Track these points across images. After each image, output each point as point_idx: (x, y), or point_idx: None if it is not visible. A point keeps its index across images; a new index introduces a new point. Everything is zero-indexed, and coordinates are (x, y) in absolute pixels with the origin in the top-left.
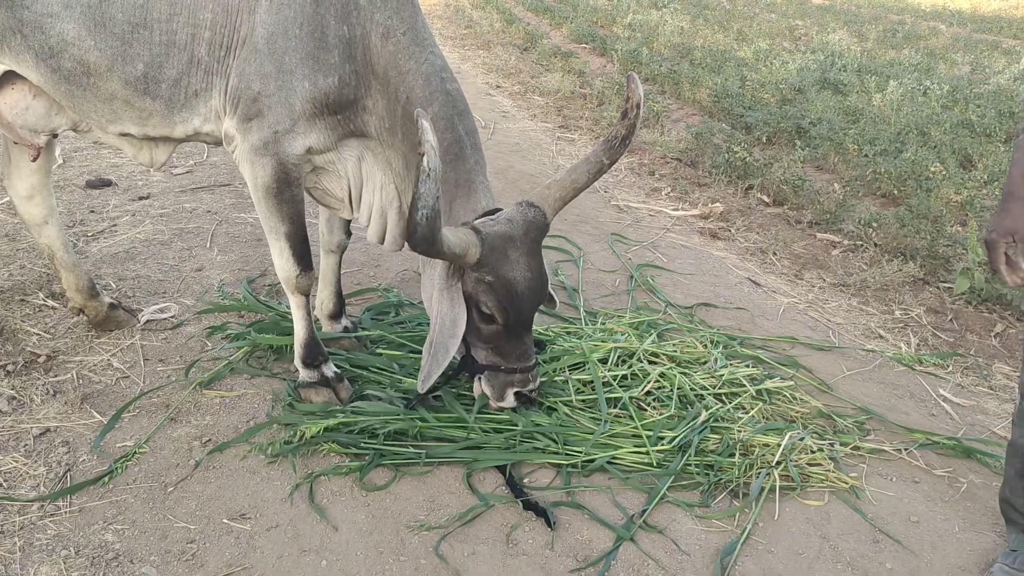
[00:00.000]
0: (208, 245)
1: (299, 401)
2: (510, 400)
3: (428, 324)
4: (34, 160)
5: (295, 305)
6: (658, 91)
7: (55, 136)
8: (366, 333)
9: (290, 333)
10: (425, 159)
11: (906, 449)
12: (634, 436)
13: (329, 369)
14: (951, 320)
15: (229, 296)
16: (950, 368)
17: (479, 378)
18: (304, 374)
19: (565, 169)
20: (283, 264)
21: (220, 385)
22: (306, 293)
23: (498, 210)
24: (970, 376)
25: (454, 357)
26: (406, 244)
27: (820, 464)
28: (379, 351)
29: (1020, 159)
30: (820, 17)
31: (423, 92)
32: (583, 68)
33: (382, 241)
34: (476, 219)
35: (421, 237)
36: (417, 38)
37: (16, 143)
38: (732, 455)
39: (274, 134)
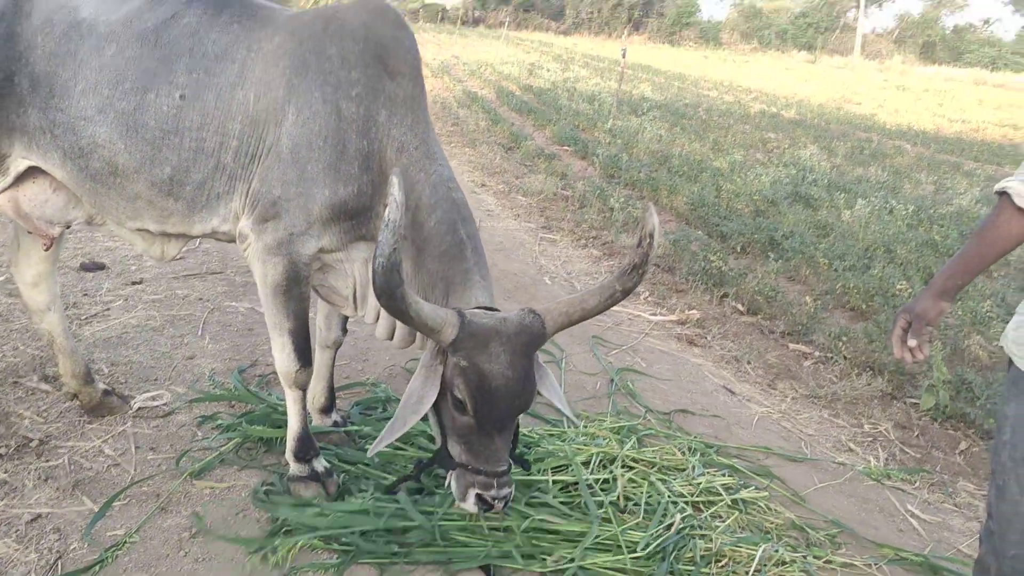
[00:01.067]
0: (200, 333)
1: (288, 494)
2: (471, 502)
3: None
4: (47, 250)
5: (291, 399)
6: (637, 197)
7: (68, 227)
8: (355, 428)
9: (281, 425)
10: (387, 211)
11: (876, 564)
12: (608, 540)
13: (320, 464)
14: (918, 436)
15: (220, 385)
16: (917, 484)
17: (450, 473)
18: (295, 468)
19: (581, 291)
20: (284, 359)
21: (210, 475)
22: (304, 388)
23: (496, 310)
24: (936, 493)
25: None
26: (403, 339)
27: None
28: (367, 446)
29: (950, 263)
30: (792, 131)
31: (430, 200)
32: (565, 170)
33: (391, 338)
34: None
35: (379, 286)
36: (428, 152)
37: (30, 232)
38: (708, 565)
39: (289, 235)
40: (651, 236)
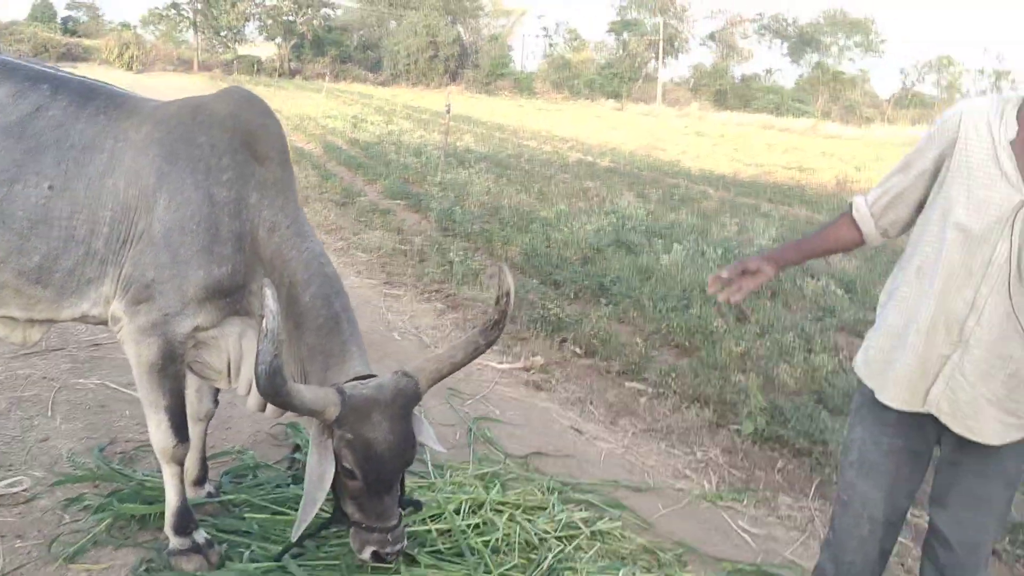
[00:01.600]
0: (50, 413)
1: (171, 569)
2: (367, 555)
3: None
4: None
5: (169, 474)
6: (473, 249)
7: None
8: (229, 497)
9: (153, 501)
10: (264, 322)
11: None
12: None
13: (200, 535)
14: (742, 459)
15: (81, 466)
16: (745, 502)
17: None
18: (176, 542)
19: (446, 347)
20: (160, 436)
21: (86, 558)
22: (181, 463)
23: (373, 376)
24: (761, 508)
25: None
26: (276, 409)
27: None
28: (244, 515)
29: (789, 243)
30: (608, 179)
31: (304, 276)
32: (401, 225)
33: (262, 409)
34: (347, 382)
35: (263, 389)
36: (299, 230)
37: None
38: None
39: (164, 316)
40: (507, 295)
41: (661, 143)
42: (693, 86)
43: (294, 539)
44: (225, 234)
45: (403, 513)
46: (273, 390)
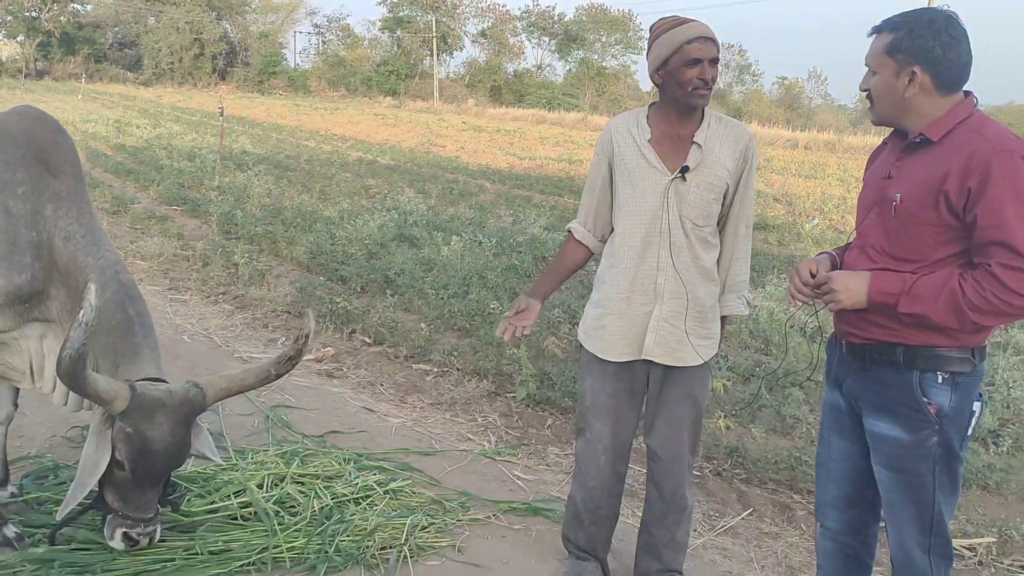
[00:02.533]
0: None
1: None
2: (117, 541)
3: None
4: None
5: None
6: (257, 250)
7: None
8: (33, 496)
9: None
10: (82, 312)
11: (495, 515)
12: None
13: (10, 530)
14: (517, 420)
15: None
16: (519, 455)
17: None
18: None
19: (240, 368)
20: None
21: None
22: None
23: (163, 380)
24: (534, 459)
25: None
26: (80, 402)
27: (437, 536)
28: (50, 510)
29: (541, 277)
30: (389, 176)
31: (99, 281)
32: (181, 231)
33: (65, 404)
34: (138, 381)
35: (64, 371)
36: (94, 239)
37: None
38: (370, 536)
39: None
40: (307, 337)
41: (440, 139)
42: (469, 82)
43: (59, 519)
44: (24, 244)
45: (159, 509)
46: (72, 373)
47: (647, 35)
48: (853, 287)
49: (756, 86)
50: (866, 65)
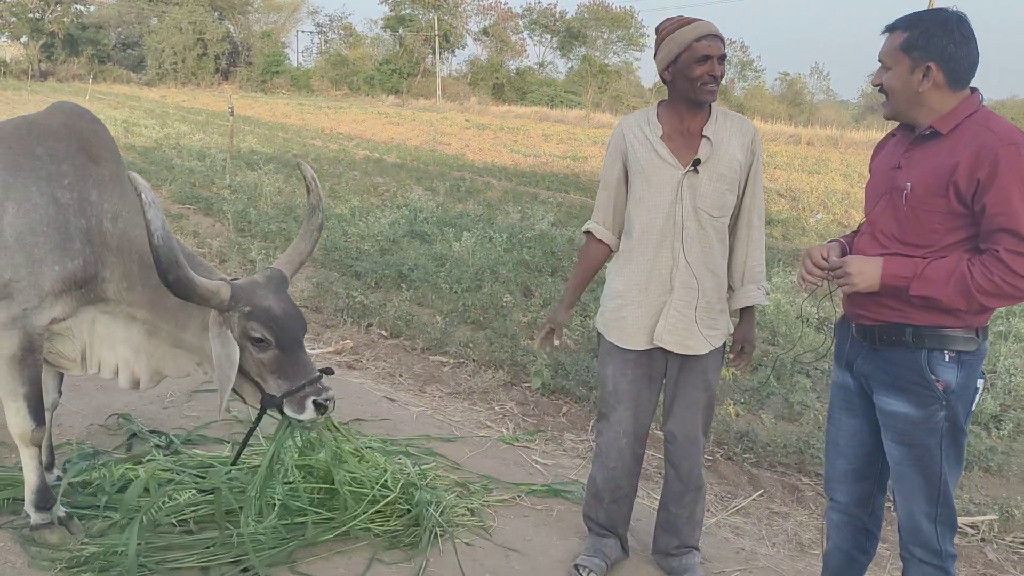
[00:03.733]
0: None
1: (35, 543)
2: (310, 411)
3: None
4: None
5: (28, 456)
6: (272, 247)
7: None
8: (79, 478)
9: (5, 486)
10: (144, 194)
11: (517, 497)
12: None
13: (60, 510)
14: (533, 408)
15: None
16: (537, 441)
17: (282, 409)
18: (37, 517)
19: (290, 245)
20: (19, 422)
21: None
22: (39, 445)
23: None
24: (551, 444)
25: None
26: (150, 379)
27: (465, 516)
28: (93, 493)
29: (568, 285)
30: (396, 174)
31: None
32: (196, 229)
33: (136, 386)
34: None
35: (165, 258)
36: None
37: None
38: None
39: (23, 311)
40: (314, 180)
41: (444, 137)
42: (471, 80)
43: (220, 415)
44: (73, 231)
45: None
46: (175, 259)
47: (649, 32)
48: (867, 271)
49: (758, 82)
50: (879, 61)
